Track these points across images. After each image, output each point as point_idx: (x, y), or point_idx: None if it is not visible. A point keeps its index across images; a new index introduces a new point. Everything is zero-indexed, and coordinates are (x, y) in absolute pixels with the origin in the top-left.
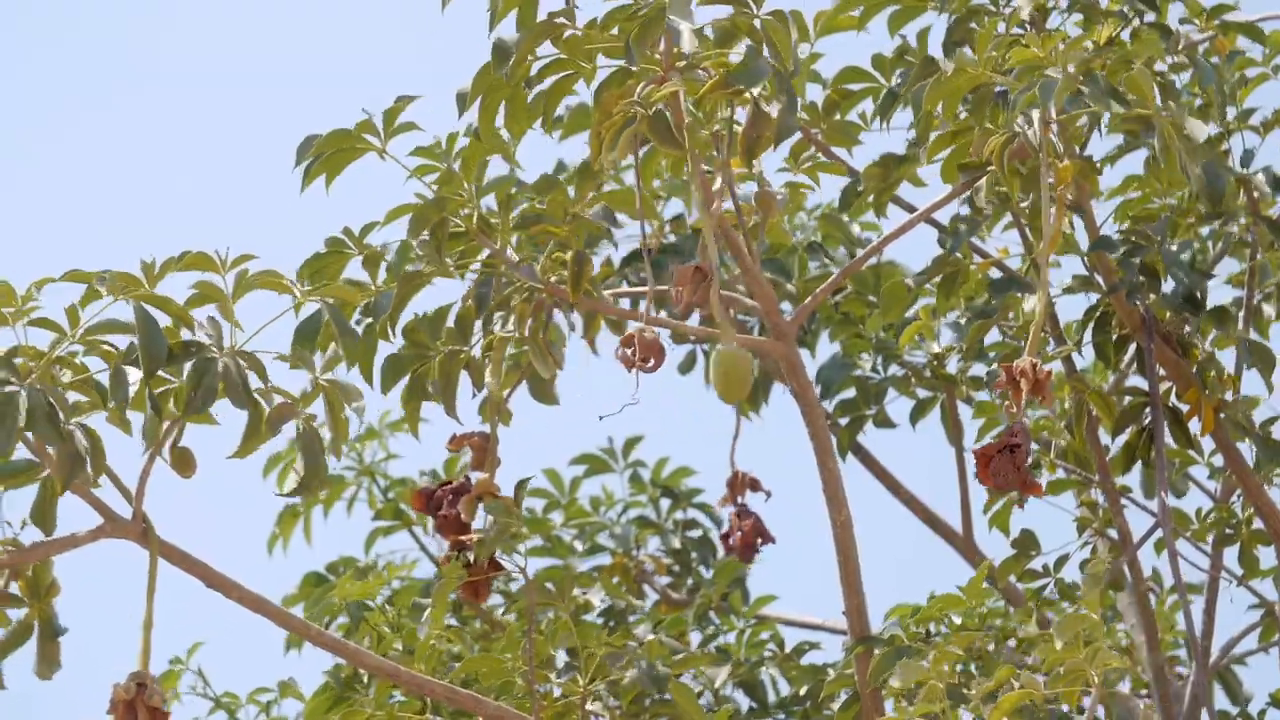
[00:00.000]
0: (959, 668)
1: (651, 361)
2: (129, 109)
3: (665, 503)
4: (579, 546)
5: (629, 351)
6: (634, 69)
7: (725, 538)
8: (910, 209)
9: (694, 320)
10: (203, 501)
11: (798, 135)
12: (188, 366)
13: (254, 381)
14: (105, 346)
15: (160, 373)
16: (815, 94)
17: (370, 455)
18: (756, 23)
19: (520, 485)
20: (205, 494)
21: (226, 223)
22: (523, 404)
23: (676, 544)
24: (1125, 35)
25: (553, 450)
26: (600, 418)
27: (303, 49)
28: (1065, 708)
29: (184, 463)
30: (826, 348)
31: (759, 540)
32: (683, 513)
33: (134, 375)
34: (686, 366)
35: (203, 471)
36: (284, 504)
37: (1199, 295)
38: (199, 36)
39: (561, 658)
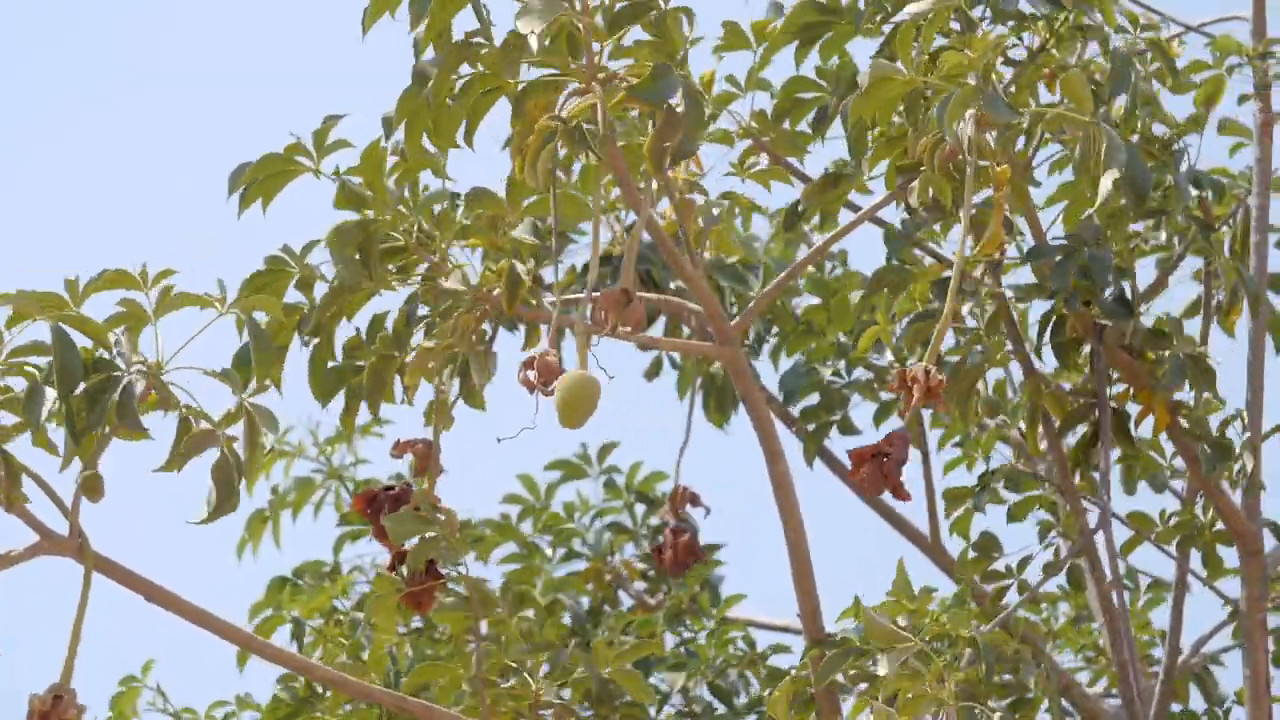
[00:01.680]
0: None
1: (552, 386)
2: (129, 109)
3: (640, 508)
4: (553, 554)
5: (531, 374)
6: (567, 72)
7: (658, 551)
8: (856, 209)
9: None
10: (171, 510)
11: (748, 143)
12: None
13: (183, 398)
14: (29, 369)
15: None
16: (765, 102)
17: (339, 459)
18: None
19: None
20: (173, 502)
21: (225, 223)
22: (499, 410)
23: (650, 549)
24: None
25: (528, 456)
26: (499, 440)
27: (302, 49)
28: None
29: (92, 488)
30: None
31: (690, 559)
32: (657, 519)
33: (51, 395)
34: (652, 373)
35: (169, 479)
36: (252, 509)
37: (1128, 298)
38: (199, 36)
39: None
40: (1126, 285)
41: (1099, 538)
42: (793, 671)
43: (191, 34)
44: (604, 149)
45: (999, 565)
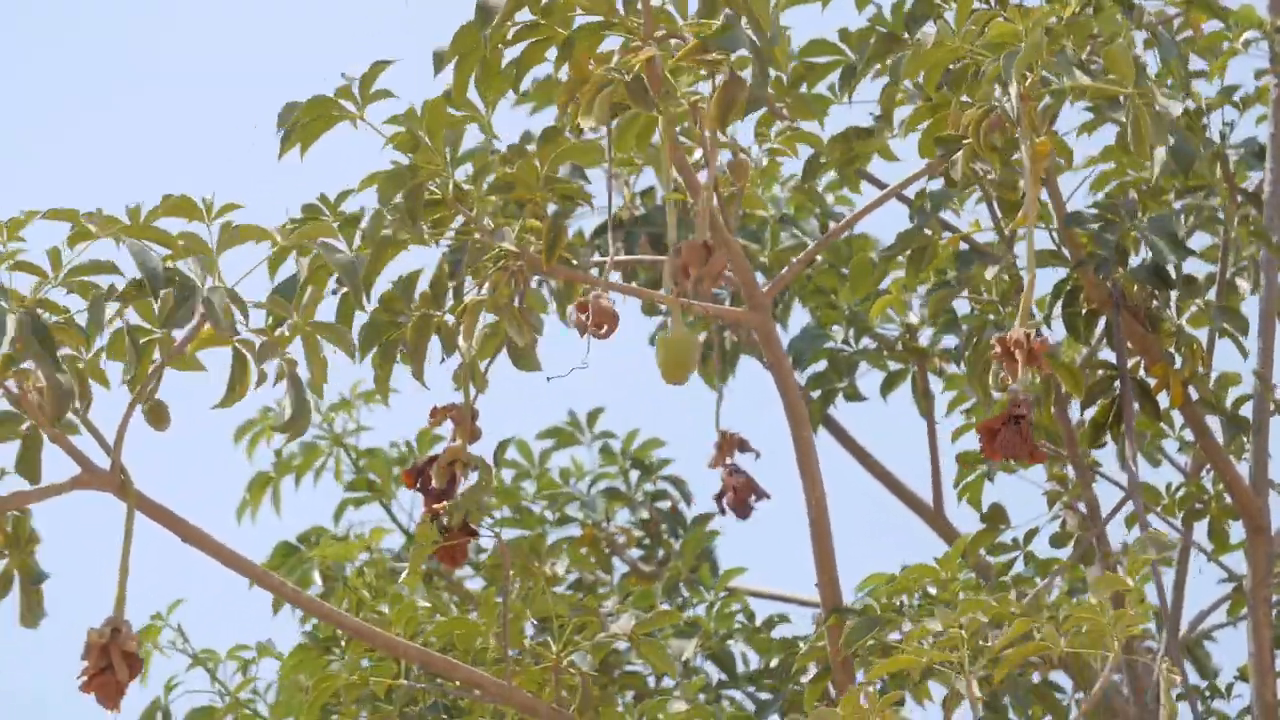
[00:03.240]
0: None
1: (605, 328)
2: (129, 109)
3: (635, 474)
4: (549, 518)
5: (583, 317)
6: (614, 21)
7: (719, 496)
8: (882, 185)
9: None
10: (170, 470)
11: (764, 109)
12: (169, 292)
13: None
14: (89, 288)
15: (141, 322)
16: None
17: (341, 426)
18: None
19: (501, 446)
20: (172, 463)
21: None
22: (498, 374)
23: (646, 515)
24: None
25: (528, 422)
26: (549, 379)
27: (303, 49)
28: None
29: (158, 416)
30: (798, 320)
31: (753, 497)
32: (652, 484)
33: (113, 309)
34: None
35: (170, 439)
36: (254, 472)
37: (1168, 269)
38: (199, 36)
39: (529, 629)
40: (1176, 254)
41: (1127, 508)
42: (803, 642)
43: (191, 34)
44: (666, 104)
45: (1005, 538)
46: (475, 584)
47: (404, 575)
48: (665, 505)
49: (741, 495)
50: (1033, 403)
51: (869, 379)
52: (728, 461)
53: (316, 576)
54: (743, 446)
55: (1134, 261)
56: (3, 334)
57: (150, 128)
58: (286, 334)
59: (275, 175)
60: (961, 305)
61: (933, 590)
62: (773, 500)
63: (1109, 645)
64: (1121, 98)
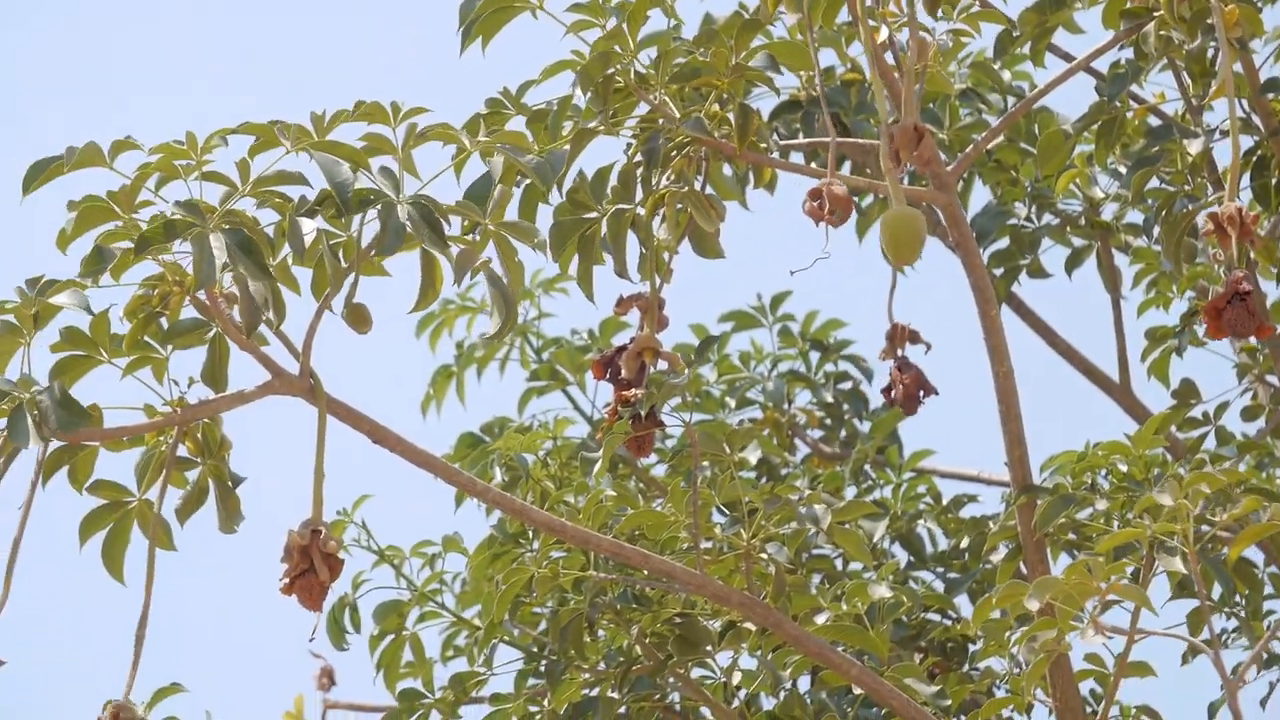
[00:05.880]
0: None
1: (839, 215)
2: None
3: (815, 356)
4: (729, 402)
5: (816, 204)
6: None
7: (887, 390)
8: (1067, 57)
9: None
10: (353, 367)
11: None
12: (369, 212)
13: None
14: (278, 199)
15: (329, 226)
16: None
17: (523, 314)
18: None
19: (706, 343)
20: (355, 359)
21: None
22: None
23: (828, 397)
24: None
25: (703, 308)
26: (791, 272)
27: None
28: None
29: (360, 318)
30: (978, 198)
31: (921, 392)
32: (833, 365)
33: (308, 226)
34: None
35: (351, 338)
36: (437, 365)
37: None
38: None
39: (717, 517)
40: None
41: None
42: (992, 522)
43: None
44: None
45: (1194, 413)
46: (659, 471)
47: (596, 467)
48: (846, 386)
49: (910, 390)
50: (1253, 276)
51: (1053, 255)
52: (898, 354)
53: (497, 472)
54: (914, 339)
55: None
56: (210, 252)
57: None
58: (479, 239)
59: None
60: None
61: (1123, 467)
62: (952, 386)
63: None
64: None
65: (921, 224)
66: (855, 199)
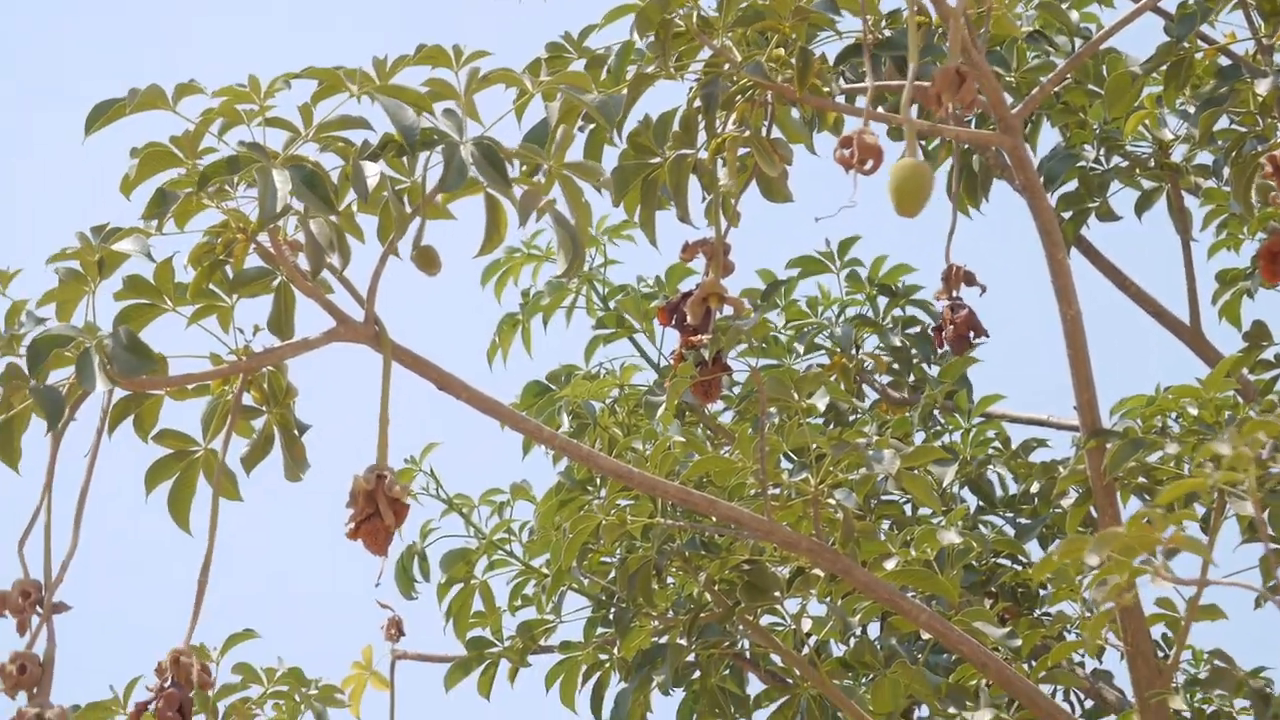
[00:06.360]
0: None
1: (870, 163)
2: None
3: (883, 300)
4: (797, 348)
5: (847, 152)
6: None
7: (938, 331)
8: None
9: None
10: (418, 316)
11: None
12: (433, 156)
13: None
14: (340, 144)
15: (392, 171)
16: None
17: (589, 262)
18: None
19: (773, 287)
20: (420, 308)
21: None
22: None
23: (896, 342)
24: None
25: (770, 254)
26: (816, 219)
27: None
28: None
29: (428, 260)
30: (1046, 140)
31: (972, 333)
32: (901, 310)
33: (371, 169)
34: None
35: (415, 285)
36: (502, 313)
37: None
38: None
39: (784, 463)
40: None
41: None
42: (1062, 466)
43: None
44: None
45: (1266, 355)
46: (725, 419)
47: (661, 411)
48: (915, 331)
49: (961, 331)
50: None
51: (1122, 197)
52: (953, 295)
53: (565, 419)
54: (969, 280)
55: None
56: (274, 186)
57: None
58: (542, 180)
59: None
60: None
61: (1194, 410)
62: (1020, 330)
63: None
64: None
65: (928, 176)
66: (922, 143)
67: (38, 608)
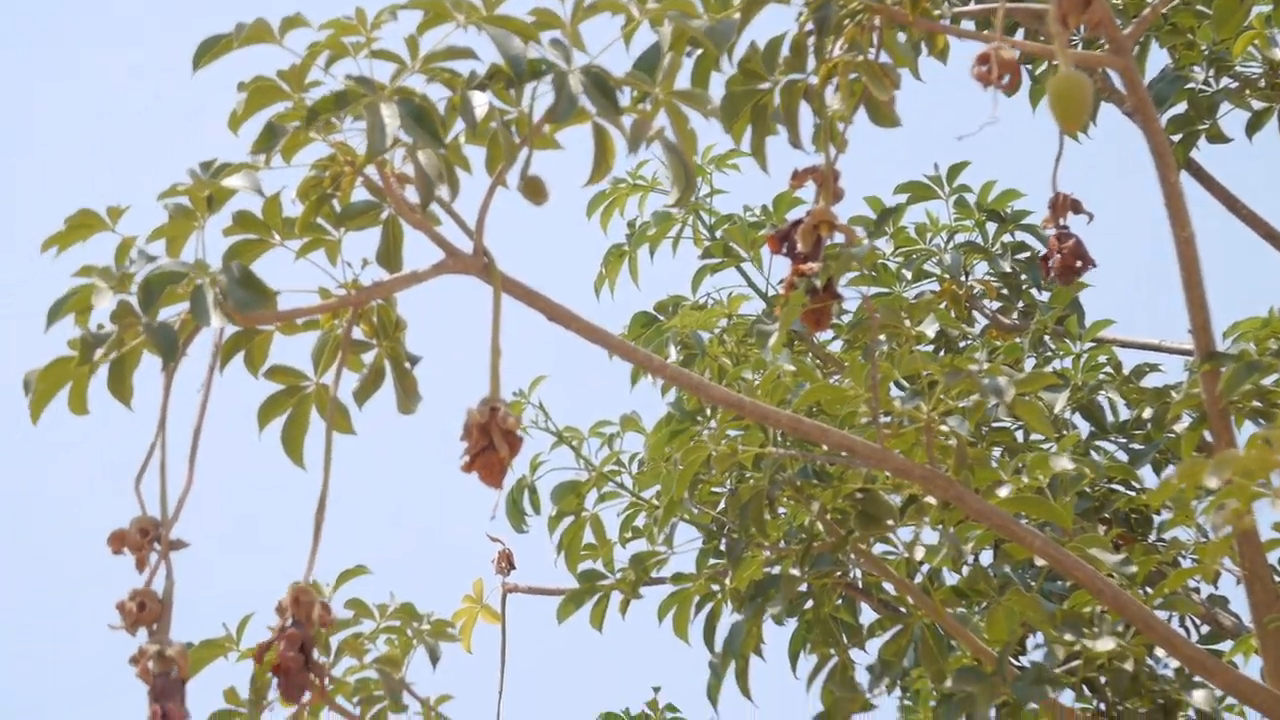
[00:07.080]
0: None
1: (1008, 79)
2: None
3: (992, 227)
4: (906, 275)
5: (984, 69)
6: None
7: (1045, 260)
8: None
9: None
10: (525, 248)
11: None
12: (541, 85)
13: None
14: (447, 75)
15: (499, 102)
16: None
17: (696, 191)
18: None
19: (883, 215)
20: (528, 240)
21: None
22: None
23: (1005, 267)
24: None
25: (878, 180)
26: (959, 138)
27: None
28: None
29: (536, 190)
30: (1155, 62)
31: (1079, 263)
32: (1010, 236)
33: (479, 100)
34: (1012, 88)
35: (523, 217)
36: (609, 245)
37: None
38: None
39: (895, 391)
40: None
41: None
42: (1175, 391)
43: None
44: None
45: None
46: (835, 348)
47: (772, 340)
48: (1024, 256)
49: (1068, 260)
50: None
51: (1232, 119)
52: (1060, 224)
53: (672, 350)
54: (1076, 208)
55: None
56: (382, 120)
57: None
58: (650, 109)
59: None
60: None
61: None
62: (1132, 254)
63: None
64: None
65: (1089, 88)
66: (1029, 66)
67: (155, 544)
